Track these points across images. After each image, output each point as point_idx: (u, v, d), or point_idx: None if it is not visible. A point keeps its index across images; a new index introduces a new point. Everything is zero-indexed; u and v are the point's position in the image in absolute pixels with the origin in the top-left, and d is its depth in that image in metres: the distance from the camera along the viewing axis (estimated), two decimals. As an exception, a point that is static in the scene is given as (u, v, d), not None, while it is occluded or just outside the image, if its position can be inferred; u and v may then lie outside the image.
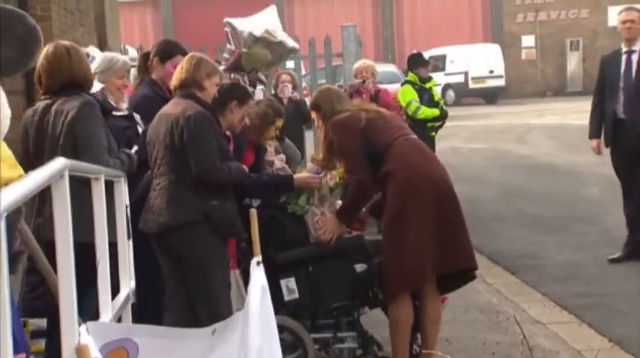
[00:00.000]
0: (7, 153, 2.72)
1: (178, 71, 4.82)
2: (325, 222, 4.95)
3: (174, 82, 4.85)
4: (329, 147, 5.04)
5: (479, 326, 6.11)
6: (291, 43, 7.56)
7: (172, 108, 4.73)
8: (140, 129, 5.21)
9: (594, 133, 7.99)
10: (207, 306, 4.54)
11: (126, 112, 5.19)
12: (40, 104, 4.39)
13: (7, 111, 2.83)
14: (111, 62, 5.18)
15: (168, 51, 5.72)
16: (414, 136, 5.10)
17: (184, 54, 5.77)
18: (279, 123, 5.63)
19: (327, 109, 5.07)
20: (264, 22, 7.61)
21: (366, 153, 4.87)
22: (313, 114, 5.21)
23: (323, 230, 4.93)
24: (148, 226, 4.65)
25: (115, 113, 5.07)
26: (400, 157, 4.83)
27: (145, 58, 5.92)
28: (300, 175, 5.12)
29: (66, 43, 4.47)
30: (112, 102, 5.12)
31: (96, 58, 5.37)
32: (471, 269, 4.98)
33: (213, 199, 4.59)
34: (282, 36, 7.41)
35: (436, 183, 4.82)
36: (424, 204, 4.74)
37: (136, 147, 4.84)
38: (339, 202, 5.11)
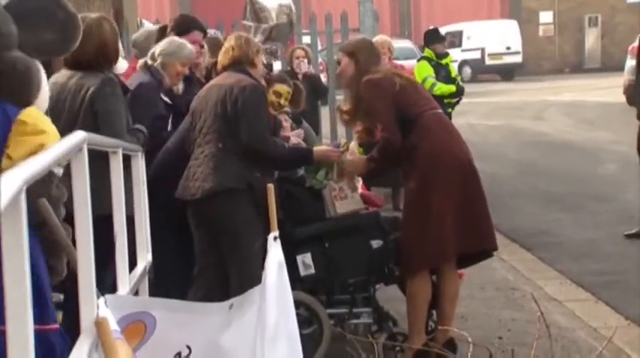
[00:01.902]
0: (53, 126, 2.78)
1: (227, 50, 4.89)
2: (360, 158, 4.96)
3: (223, 60, 4.90)
4: (356, 104, 4.95)
5: (494, 303, 6.10)
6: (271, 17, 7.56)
7: (224, 79, 4.80)
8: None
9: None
10: (242, 276, 4.57)
11: (169, 101, 5.18)
12: (58, 78, 4.37)
13: (47, 91, 2.90)
14: (178, 48, 5.19)
15: (185, 26, 5.69)
16: (441, 111, 5.07)
17: (202, 29, 5.77)
18: (280, 88, 5.63)
19: (362, 64, 4.92)
20: None
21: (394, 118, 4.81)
22: (343, 57, 5.02)
23: (346, 168, 4.93)
24: (190, 193, 4.67)
25: (162, 96, 5.10)
26: (427, 131, 4.78)
27: (162, 32, 5.90)
28: (320, 148, 5.12)
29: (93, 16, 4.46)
30: (165, 85, 5.16)
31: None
32: (492, 250, 4.98)
33: (257, 171, 4.64)
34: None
35: (460, 162, 4.79)
36: (447, 182, 4.71)
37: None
38: (359, 181, 5.12)
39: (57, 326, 2.70)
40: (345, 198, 4.99)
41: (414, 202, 4.79)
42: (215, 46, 5.68)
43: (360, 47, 5.05)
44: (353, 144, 5.18)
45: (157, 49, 5.22)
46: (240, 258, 4.64)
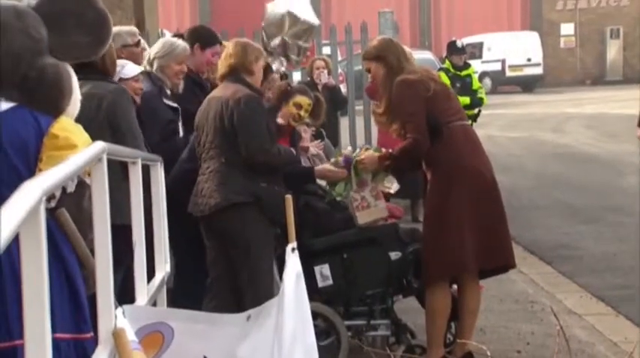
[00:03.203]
0: (85, 136, 2.74)
1: (225, 58, 4.84)
2: (372, 156, 4.92)
3: (221, 69, 4.87)
4: (389, 103, 4.84)
5: (513, 316, 6.06)
6: (309, 18, 7.60)
7: (222, 91, 4.78)
8: (180, 126, 5.21)
9: None
10: (253, 288, 4.58)
11: (175, 104, 5.17)
12: None
13: (78, 94, 2.85)
14: (171, 47, 5.17)
15: (211, 38, 5.71)
16: (468, 123, 5.02)
17: (221, 44, 5.79)
18: (301, 99, 5.64)
19: (393, 63, 4.83)
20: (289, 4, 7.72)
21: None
22: (372, 65, 4.91)
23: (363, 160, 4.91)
24: (199, 209, 4.69)
25: (165, 101, 5.09)
26: (453, 142, 4.73)
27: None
28: (321, 167, 5.14)
29: None
30: (167, 89, 5.15)
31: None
32: (509, 267, 4.95)
33: (262, 181, 4.63)
34: (304, 14, 7.48)
35: (483, 177, 4.74)
36: (468, 195, 4.67)
37: None
38: (393, 183, 5.03)
39: (92, 334, 2.69)
40: (368, 208, 4.96)
41: (434, 212, 4.76)
42: None
43: (383, 48, 4.92)
44: (371, 152, 5.12)
45: (151, 53, 5.17)
46: (251, 270, 4.65)
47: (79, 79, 4.20)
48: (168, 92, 5.19)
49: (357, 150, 5.45)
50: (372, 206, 4.96)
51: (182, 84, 5.31)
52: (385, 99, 4.89)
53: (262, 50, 5.09)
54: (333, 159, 5.25)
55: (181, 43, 5.27)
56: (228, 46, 4.93)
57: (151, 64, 5.13)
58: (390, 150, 4.97)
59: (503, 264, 4.90)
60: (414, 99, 4.72)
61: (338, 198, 4.99)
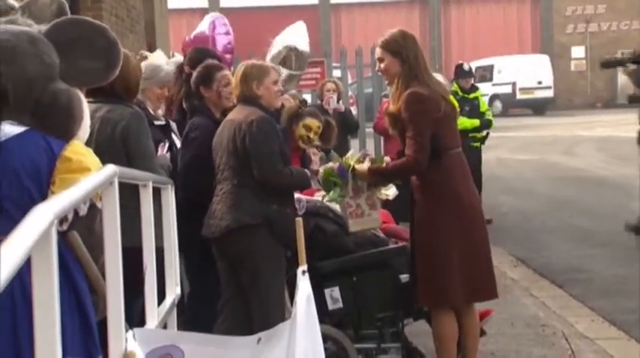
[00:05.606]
0: (96, 160, 2.76)
1: (234, 87, 4.94)
2: (362, 168, 4.78)
3: (234, 94, 4.95)
4: (399, 108, 4.62)
5: (524, 340, 6.02)
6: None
7: (235, 114, 4.84)
8: (175, 139, 5.21)
9: None
10: (263, 311, 4.58)
11: (163, 122, 5.18)
12: None
13: (88, 120, 2.88)
14: (155, 71, 5.16)
15: (199, 59, 5.70)
16: (461, 151, 4.88)
17: (215, 58, 5.77)
18: (311, 122, 5.64)
19: (412, 63, 4.63)
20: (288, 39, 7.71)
21: None
22: (387, 57, 4.73)
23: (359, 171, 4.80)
24: (210, 231, 4.72)
25: (154, 122, 5.10)
26: (449, 170, 4.66)
27: (179, 67, 5.89)
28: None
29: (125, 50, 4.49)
30: (150, 111, 5.15)
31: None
32: (489, 299, 4.88)
33: (273, 204, 4.64)
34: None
35: (474, 208, 4.70)
36: (460, 227, 4.60)
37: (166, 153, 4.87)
38: (390, 188, 4.95)
39: None
40: (361, 216, 4.88)
41: (424, 241, 4.66)
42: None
43: (405, 45, 4.69)
44: (363, 165, 5.00)
45: None
46: (260, 293, 4.65)
47: (96, 102, 4.24)
48: (158, 112, 5.18)
49: (352, 151, 5.43)
50: (366, 215, 4.88)
51: (163, 108, 5.32)
52: (397, 98, 4.66)
53: (264, 67, 4.99)
54: (328, 164, 5.15)
55: (165, 67, 5.26)
56: (236, 73, 4.97)
57: None
58: (384, 164, 4.81)
59: (488, 299, 4.86)
60: (422, 116, 4.56)
61: (334, 203, 4.95)
